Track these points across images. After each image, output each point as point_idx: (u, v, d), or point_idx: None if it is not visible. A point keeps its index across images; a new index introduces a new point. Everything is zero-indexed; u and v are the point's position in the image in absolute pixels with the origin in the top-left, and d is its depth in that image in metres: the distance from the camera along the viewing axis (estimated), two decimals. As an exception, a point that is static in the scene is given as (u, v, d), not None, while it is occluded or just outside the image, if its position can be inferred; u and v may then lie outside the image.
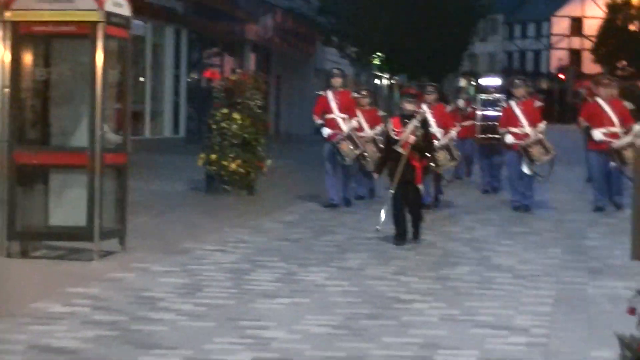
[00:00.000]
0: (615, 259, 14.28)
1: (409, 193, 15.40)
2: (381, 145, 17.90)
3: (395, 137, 15.46)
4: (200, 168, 22.36)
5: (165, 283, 12.00)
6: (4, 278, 12.34)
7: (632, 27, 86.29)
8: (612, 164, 18.92)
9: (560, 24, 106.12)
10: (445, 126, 20.01)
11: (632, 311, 6.16)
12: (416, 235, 15.55)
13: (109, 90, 13.64)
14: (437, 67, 58.78)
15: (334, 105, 20.18)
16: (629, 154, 17.73)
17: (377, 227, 15.70)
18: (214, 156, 21.84)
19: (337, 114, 20.10)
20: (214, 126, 22.00)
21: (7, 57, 13.30)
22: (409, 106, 15.88)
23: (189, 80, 38.85)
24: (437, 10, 48.42)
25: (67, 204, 13.75)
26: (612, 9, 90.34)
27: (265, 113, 22.85)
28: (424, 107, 19.52)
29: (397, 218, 15.32)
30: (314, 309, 10.77)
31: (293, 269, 13.20)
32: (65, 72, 14.27)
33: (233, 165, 21.76)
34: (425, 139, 15.67)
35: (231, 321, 10.04)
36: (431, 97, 20.59)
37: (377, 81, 56.38)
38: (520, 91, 20.07)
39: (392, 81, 53.23)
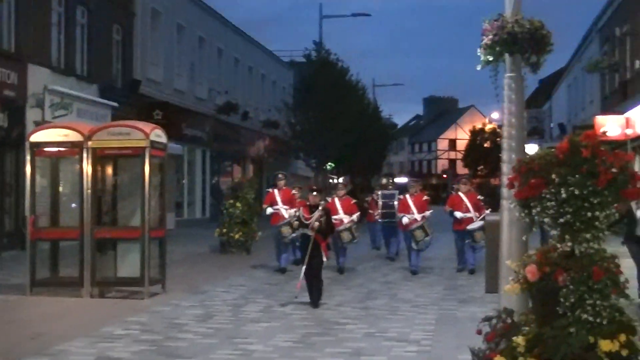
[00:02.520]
0: (475, 293, 14.07)
1: (314, 264, 12.58)
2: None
3: (305, 222, 12.95)
4: (217, 237, 21.99)
5: (189, 313, 11.70)
6: (86, 312, 12.02)
7: (486, 145, 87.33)
8: (467, 241, 17.72)
9: (442, 143, 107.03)
10: (350, 212, 18.04)
11: (479, 332, 6.08)
12: (317, 300, 12.50)
13: (154, 190, 13.45)
14: (367, 170, 59.20)
15: (278, 199, 18.25)
16: (478, 235, 17.08)
17: (296, 296, 12.79)
18: (225, 229, 21.63)
19: (280, 206, 18.12)
20: (225, 211, 21.81)
21: (90, 170, 13.17)
22: (313, 199, 13.31)
23: (212, 182, 38.72)
24: (367, 135, 48.61)
25: (128, 262, 13.53)
26: (473, 133, 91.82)
27: (257, 202, 22.58)
28: (335, 199, 18.20)
29: (308, 283, 12.65)
30: (282, 330, 10.48)
31: (271, 303, 12.89)
32: (125, 179, 14.13)
33: (237, 236, 21.55)
34: (327, 224, 12.97)
35: (229, 339, 9.75)
36: (341, 192, 18.70)
37: (330, 180, 56.37)
38: (412, 189, 19.15)
39: (339, 180, 53.11)
